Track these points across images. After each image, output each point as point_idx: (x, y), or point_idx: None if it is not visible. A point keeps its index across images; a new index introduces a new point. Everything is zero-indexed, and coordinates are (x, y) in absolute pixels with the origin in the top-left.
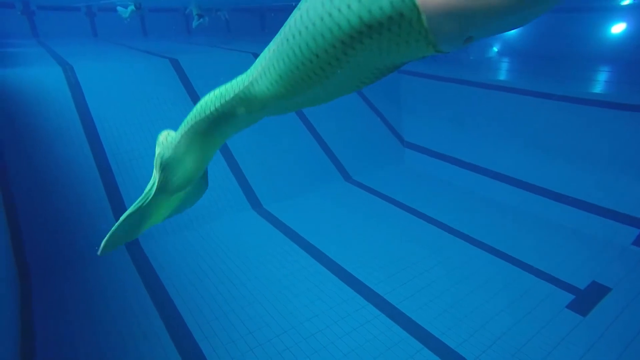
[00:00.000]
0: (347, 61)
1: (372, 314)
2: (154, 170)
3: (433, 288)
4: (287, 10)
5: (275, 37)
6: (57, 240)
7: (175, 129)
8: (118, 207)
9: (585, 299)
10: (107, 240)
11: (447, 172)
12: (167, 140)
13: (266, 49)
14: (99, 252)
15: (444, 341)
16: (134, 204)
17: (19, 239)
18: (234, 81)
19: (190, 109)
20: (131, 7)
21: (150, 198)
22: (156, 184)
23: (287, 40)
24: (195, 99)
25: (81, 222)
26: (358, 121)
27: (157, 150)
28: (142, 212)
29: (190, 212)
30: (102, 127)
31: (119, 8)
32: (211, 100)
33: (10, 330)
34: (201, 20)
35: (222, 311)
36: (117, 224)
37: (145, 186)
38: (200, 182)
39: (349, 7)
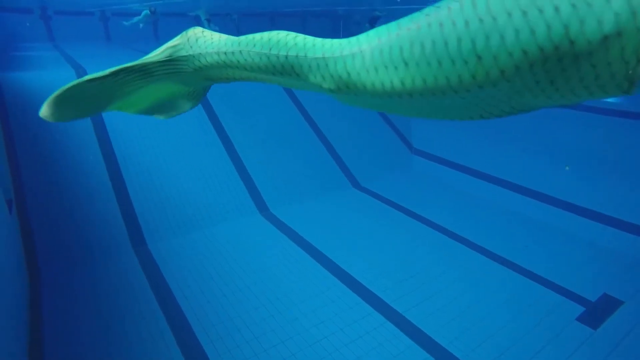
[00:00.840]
0: (508, 80)
1: (378, 321)
2: (158, 50)
3: (440, 296)
4: (297, 15)
5: (416, 14)
6: (66, 239)
7: (181, 132)
8: (126, 207)
9: (596, 311)
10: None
11: (455, 180)
12: (196, 40)
13: (394, 24)
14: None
15: (451, 351)
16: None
17: (30, 238)
18: (326, 41)
19: (201, 113)
20: (145, 12)
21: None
22: (150, 58)
23: (441, 25)
24: (205, 102)
25: (90, 222)
26: (366, 128)
27: (178, 41)
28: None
29: (198, 215)
30: (112, 130)
31: (134, 19)
32: (284, 44)
33: (19, 327)
34: (210, 25)
35: (227, 315)
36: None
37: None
38: (198, 92)
39: (556, 9)
